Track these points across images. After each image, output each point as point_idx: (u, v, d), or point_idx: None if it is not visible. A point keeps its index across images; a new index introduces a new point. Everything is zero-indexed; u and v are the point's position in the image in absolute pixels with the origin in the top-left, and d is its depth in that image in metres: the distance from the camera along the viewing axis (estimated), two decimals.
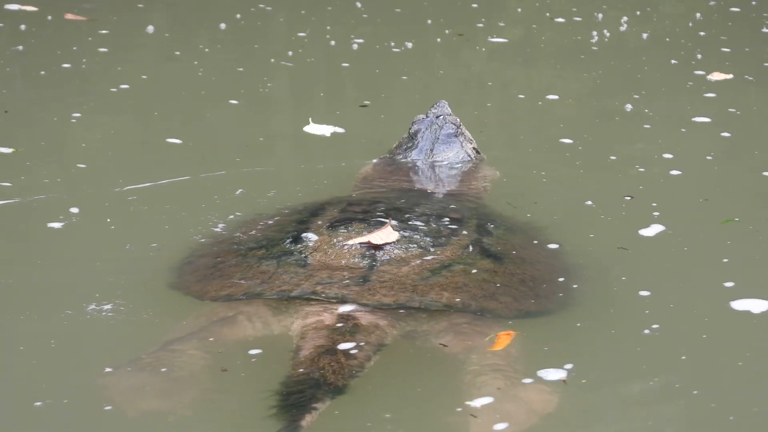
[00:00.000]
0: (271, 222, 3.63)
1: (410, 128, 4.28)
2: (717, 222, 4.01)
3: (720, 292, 3.32)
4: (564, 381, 2.76)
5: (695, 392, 2.83)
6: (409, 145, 4.23)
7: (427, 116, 4.26)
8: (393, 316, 2.98)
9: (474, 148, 4.25)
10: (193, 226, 3.82)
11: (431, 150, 4.21)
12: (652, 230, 3.80)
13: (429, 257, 3.15)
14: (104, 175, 4.52)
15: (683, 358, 2.97)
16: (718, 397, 2.84)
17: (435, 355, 3.00)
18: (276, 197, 4.11)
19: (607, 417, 2.75)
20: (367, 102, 5.74)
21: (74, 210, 3.92)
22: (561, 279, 3.40)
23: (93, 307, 3.27)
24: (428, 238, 3.28)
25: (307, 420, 2.46)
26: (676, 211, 4.06)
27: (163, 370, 2.85)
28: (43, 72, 6.23)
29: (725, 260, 3.58)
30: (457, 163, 4.23)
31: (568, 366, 2.81)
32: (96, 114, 5.59)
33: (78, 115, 5.35)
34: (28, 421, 2.68)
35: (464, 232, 3.37)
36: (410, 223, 3.38)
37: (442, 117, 4.25)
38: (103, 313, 3.24)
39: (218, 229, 3.83)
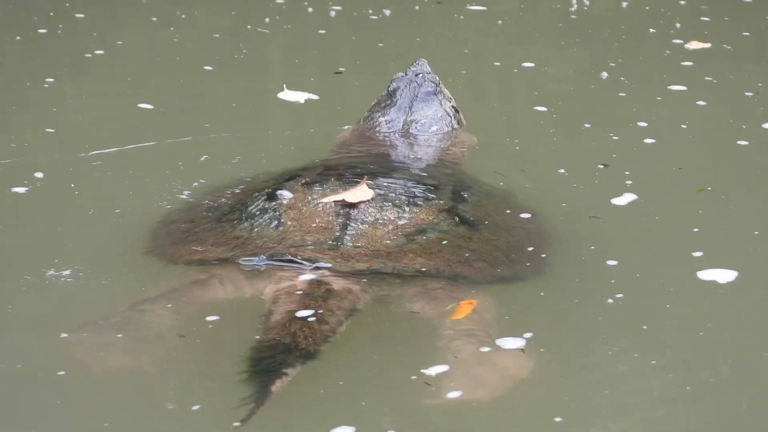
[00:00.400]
0: (246, 187, 3.63)
1: (389, 86, 4.28)
2: (690, 191, 4.01)
3: (688, 261, 3.33)
4: (522, 350, 2.77)
5: (653, 362, 2.85)
6: (387, 102, 4.23)
7: (406, 74, 4.27)
8: (366, 280, 2.99)
9: (453, 106, 4.26)
10: (157, 192, 3.85)
11: (410, 107, 4.21)
12: (625, 199, 3.82)
13: (403, 220, 3.16)
14: (71, 140, 4.54)
15: (644, 327, 3.00)
16: (675, 366, 2.87)
17: (408, 319, 3.01)
18: (240, 164, 4.14)
19: (565, 385, 2.72)
20: (341, 69, 5.76)
21: (39, 175, 3.93)
22: (535, 246, 3.40)
23: (52, 272, 3.27)
24: (403, 197, 3.27)
25: (278, 385, 2.47)
26: (649, 180, 4.08)
27: (130, 329, 2.87)
28: (18, 37, 6.26)
29: (695, 230, 3.60)
30: (435, 125, 4.21)
31: (528, 335, 2.81)
32: (69, 79, 5.61)
33: (51, 80, 5.36)
34: None
35: (440, 198, 3.37)
36: (386, 184, 3.37)
37: (421, 75, 4.24)
38: (62, 279, 3.25)
39: (188, 195, 3.83)
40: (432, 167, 3.92)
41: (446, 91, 4.32)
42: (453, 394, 2.64)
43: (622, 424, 2.67)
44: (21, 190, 3.91)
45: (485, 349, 2.79)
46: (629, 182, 3.95)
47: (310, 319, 2.75)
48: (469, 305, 2.93)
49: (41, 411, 2.63)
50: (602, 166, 4.17)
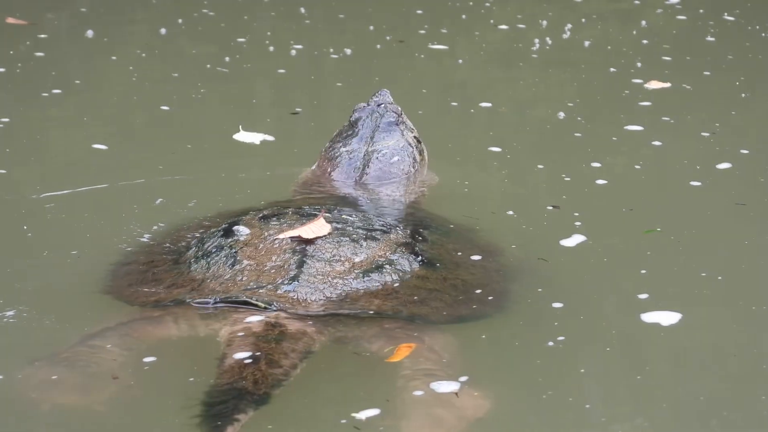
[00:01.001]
0: (202, 228, 3.65)
1: (351, 116, 4.30)
2: (639, 232, 4.03)
3: (632, 303, 3.34)
4: (456, 394, 2.77)
5: (587, 406, 2.87)
6: (349, 132, 4.25)
7: (368, 104, 4.29)
8: (322, 321, 2.99)
9: (415, 137, 4.29)
10: (114, 234, 3.84)
11: (371, 138, 4.22)
12: (573, 240, 3.82)
13: (361, 256, 3.16)
14: (24, 181, 4.53)
15: (581, 371, 3.00)
16: (608, 410, 2.88)
17: (364, 359, 3.02)
18: (196, 207, 4.12)
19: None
20: (298, 109, 5.79)
21: None
22: (493, 285, 3.41)
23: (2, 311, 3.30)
24: (361, 231, 3.29)
25: (230, 431, 2.48)
26: (599, 221, 4.10)
27: (79, 365, 2.87)
28: None
29: (643, 271, 3.61)
30: (397, 156, 4.22)
31: (463, 378, 2.81)
32: (24, 119, 5.59)
33: (6, 120, 5.35)
34: None
35: (398, 234, 3.38)
36: (343, 217, 3.39)
37: (383, 105, 4.28)
38: (12, 318, 3.26)
39: (145, 237, 3.83)
40: (393, 205, 3.94)
41: (408, 122, 4.34)
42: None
43: None
44: None
45: (443, 388, 2.78)
46: (578, 223, 3.96)
47: (261, 363, 2.74)
48: (408, 348, 2.92)
49: None
50: (552, 208, 4.18)
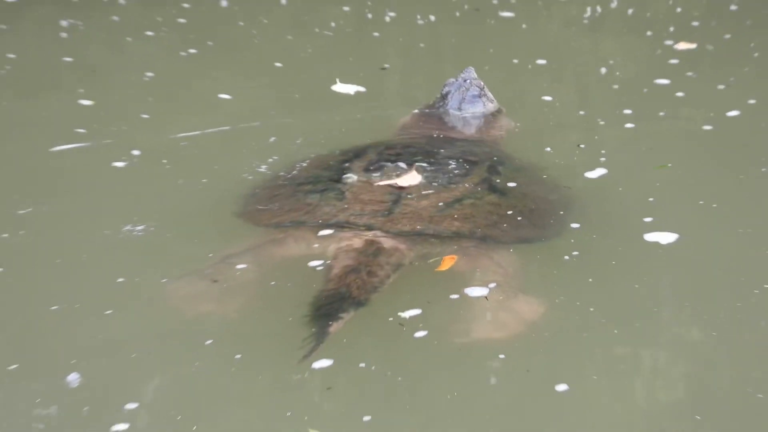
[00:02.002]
0: (317, 162, 3.68)
1: (442, 89, 4.31)
2: (653, 168, 3.97)
3: (638, 225, 3.29)
4: (486, 298, 2.79)
5: (591, 309, 2.84)
6: (441, 103, 4.28)
7: (456, 80, 4.30)
8: (411, 240, 2.99)
9: (495, 107, 4.32)
10: (238, 167, 3.83)
11: (459, 108, 4.23)
12: (596, 173, 3.77)
13: (445, 194, 3.15)
14: (163, 124, 4.52)
15: (589, 280, 2.99)
16: (609, 314, 2.86)
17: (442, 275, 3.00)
18: (302, 144, 4.13)
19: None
20: (386, 65, 5.68)
21: (135, 152, 3.95)
22: (554, 213, 3.41)
23: (150, 229, 3.35)
24: (446, 177, 3.27)
25: (335, 327, 2.54)
26: (620, 158, 4.04)
27: (219, 279, 2.91)
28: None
29: (651, 199, 3.55)
30: (480, 116, 4.27)
31: (492, 285, 2.85)
32: (165, 73, 5.62)
33: (151, 74, 5.41)
34: (98, 328, 2.72)
35: (477, 172, 3.36)
36: (433, 165, 3.39)
37: (468, 80, 4.30)
38: (157, 235, 3.33)
39: (263, 168, 3.85)
40: (475, 146, 3.87)
41: (489, 94, 4.33)
42: (469, 336, 2.71)
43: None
44: (120, 164, 3.92)
45: (507, 296, 2.84)
46: (603, 159, 3.91)
47: (362, 273, 2.78)
48: (451, 260, 2.95)
49: (141, 344, 2.65)
50: (582, 146, 4.14)
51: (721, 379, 2.61)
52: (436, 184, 3.21)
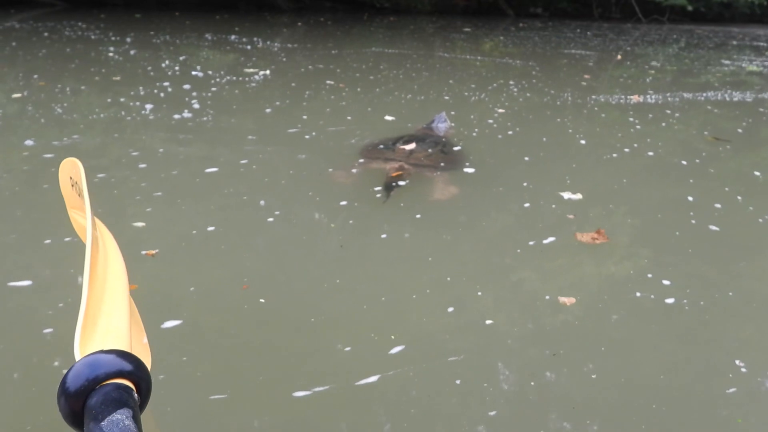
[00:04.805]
0: (384, 140, 5.57)
1: (432, 119, 6.52)
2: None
3: (561, 187, 4.42)
4: (436, 186, 4.17)
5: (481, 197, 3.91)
6: (430, 123, 6.42)
7: (438, 115, 6.53)
8: (413, 166, 4.77)
9: (449, 124, 6.43)
10: (349, 146, 5.41)
11: (436, 125, 6.39)
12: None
13: (425, 152, 5.09)
14: (291, 124, 6.13)
15: (479, 187, 4.19)
16: (492, 205, 3.94)
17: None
18: (374, 135, 5.77)
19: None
20: (390, 117, 6.88)
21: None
22: (464, 159, 5.12)
23: (303, 158, 4.79)
24: (427, 146, 5.23)
25: (391, 192, 4.22)
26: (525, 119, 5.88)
27: (355, 171, 4.73)
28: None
29: (544, 139, 5.33)
30: (443, 126, 6.28)
31: (440, 183, 4.13)
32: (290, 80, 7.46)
33: (264, 72, 7.30)
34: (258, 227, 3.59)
35: (438, 145, 5.37)
36: (422, 142, 5.37)
37: (442, 116, 6.48)
38: (311, 161, 4.63)
39: (353, 141, 5.52)
40: (439, 138, 5.82)
41: (449, 122, 6.49)
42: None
43: None
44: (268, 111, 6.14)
45: (444, 186, 4.39)
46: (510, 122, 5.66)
47: (395, 174, 4.53)
48: (401, 171, 4.57)
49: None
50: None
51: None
52: (422, 149, 5.10)
